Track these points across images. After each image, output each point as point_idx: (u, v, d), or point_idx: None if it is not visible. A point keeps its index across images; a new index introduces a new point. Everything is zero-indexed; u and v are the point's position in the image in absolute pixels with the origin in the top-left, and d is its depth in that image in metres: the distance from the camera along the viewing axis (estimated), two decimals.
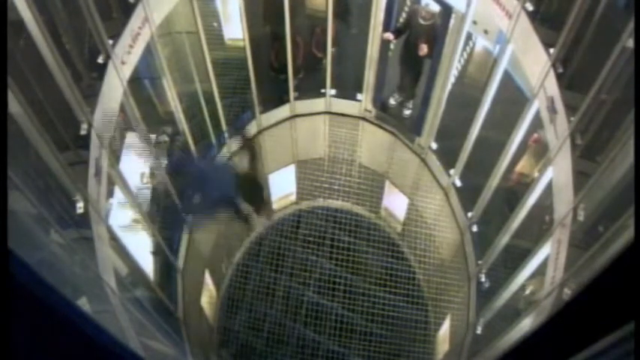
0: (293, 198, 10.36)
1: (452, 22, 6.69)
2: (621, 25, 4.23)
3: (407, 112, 8.67)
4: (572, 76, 5.08)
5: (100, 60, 5.08)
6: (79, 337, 1.00)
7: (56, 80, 4.43)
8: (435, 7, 7.14)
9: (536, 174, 6.31)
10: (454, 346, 8.15)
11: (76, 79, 4.80)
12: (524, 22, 5.36)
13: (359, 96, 8.76)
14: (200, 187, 6.61)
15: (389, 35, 7.49)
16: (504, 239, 6.71)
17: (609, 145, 4.62)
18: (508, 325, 6.14)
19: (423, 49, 7.36)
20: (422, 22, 7.34)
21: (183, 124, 7.23)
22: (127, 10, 5.39)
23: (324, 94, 8.80)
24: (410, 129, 8.56)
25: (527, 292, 6.36)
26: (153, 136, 7.08)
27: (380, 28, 7.52)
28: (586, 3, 4.71)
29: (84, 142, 4.78)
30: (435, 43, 7.15)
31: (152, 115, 7.14)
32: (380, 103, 8.68)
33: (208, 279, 8.93)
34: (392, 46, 8.11)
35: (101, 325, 1.03)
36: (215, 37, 8.44)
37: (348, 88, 8.81)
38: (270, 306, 9.43)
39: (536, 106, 5.57)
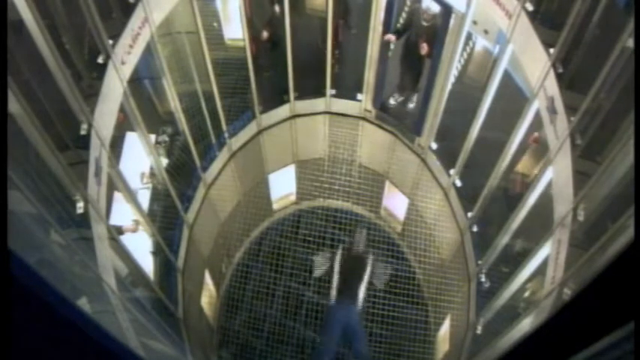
0: (293, 198, 10.36)
1: (452, 22, 6.69)
2: (621, 25, 4.23)
3: (411, 105, 8.66)
4: (572, 76, 5.08)
5: (100, 60, 5.08)
6: (79, 337, 1.00)
7: (56, 80, 4.43)
8: (435, 8, 7.16)
9: (535, 174, 6.31)
10: (454, 346, 8.15)
11: (76, 79, 4.80)
12: (524, 22, 5.37)
13: (359, 96, 8.77)
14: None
15: (390, 37, 7.51)
16: (504, 239, 6.71)
17: (609, 145, 4.62)
18: (508, 325, 6.14)
19: (424, 48, 7.38)
20: (424, 23, 7.37)
21: (183, 124, 7.23)
22: (127, 10, 5.39)
23: (324, 94, 8.81)
24: (410, 129, 8.56)
25: (527, 292, 6.37)
26: (153, 136, 7.08)
27: (380, 28, 7.53)
28: (586, 3, 4.72)
29: (84, 142, 4.78)
30: (435, 42, 7.16)
31: (152, 115, 7.14)
32: (380, 103, 8.68)
33: (208, 279, 8.93)
34: (392, 46, 8.11)
35: (101, 325, 1.03)
36: (215, 37, 8.44)
37: (348, 88, 8.81)
38: (270, 306, 9.43)
39: (536, 106, 5.58)
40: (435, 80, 7.38)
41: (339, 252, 7.48)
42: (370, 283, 7.48)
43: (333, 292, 7.30)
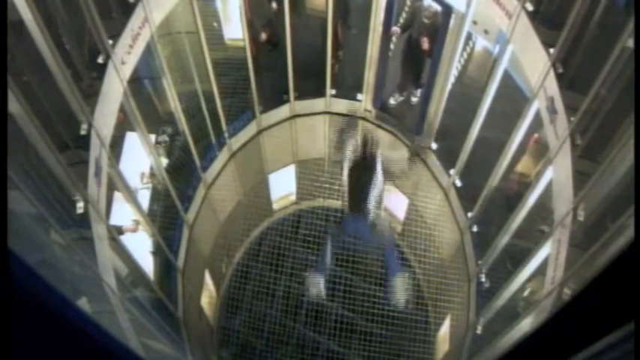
0: (293, 198, 10.36)
1: (452, 22, 6.69)
2: (621, 25, 4.23)
3: (414, 99, 8.67)
4: (572, 76, 5.08)
5: (100, 60, 5.08)
6: (79, 337, 1.00)
7: (56, 80, 4.43)
8: (437, 6, 7.18)
9: (534, 175, 6.31)
10: (454, 346, 8.15)
11: (76, 79, 4.79)
12: (524, 22, 5.37)
13: (359, 96, 8.77)
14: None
15: (396, 29, 7.55)
16: (504, 239, 6.71)
17: (609, 145, 4.62)
18: (508, 325, 6.14)
19: (425, 42, 7.41)
20: (425, 20, 7.43)
21: (183, 124, 7.23)
22: (127, 10, 5.39)
23: (324, 94, 8.81)
24: (410, 129, 8.56)
25: (527, 292, 6.37)
26: (153, 136, 7.08)
27: (380, 28, 7.53)
28: (586, 3, 4.72)
29: (84, 142, 4.78)
30: (436, 38, 7.18)
31: (152, 115, 7.14)
32: (380, 103, 8.69)
33: (208, 279, 8.94)
34: (392, 46, 8.12)
35: (101, 325, 1.02)
36: (215, 37, 8.44)
37: (348, 88, 8.81)
38: (270, 306, 9.43)
39: (536, 106, 5.58)
40: (435, 80, 7.39)
41: (348, 155, 6.62)
42: (388, 174, 6.60)
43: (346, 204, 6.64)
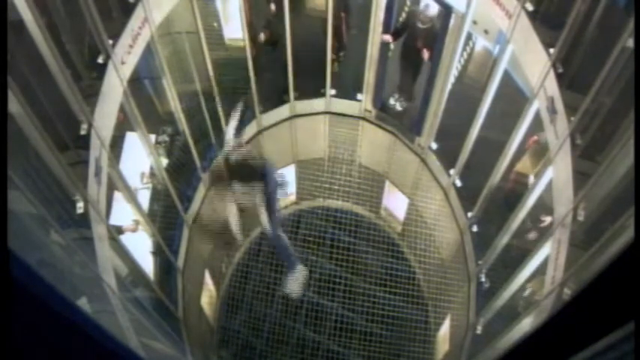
0: (293, 198, 10.36)
1: (452, 22, 6.69)
2: (621, 25, 4.23)
3: (399, 108, 8.66)
4: (572, 76, 5.08)
5: (100, 60, 5.08)
6: (79, 337, 1.00)
7: (56, 80, 4.43)
8: (434, 10, 7.15)
9: (532, 175, 6.31)
10: (454, 346, 8.15)
11: (76, 79, 4.80)
12: (524, 22, 5.37)
13: (359, 96, 8.77)
14: None
15: (387, 38, 7.51)
16: (504, 239, 6.71)
17: (609, 145, 4.62)
18: (508, 325, 6.14)
19: (426, 53, 7.38)
20: (420, 25, 7.37)
21: (183, 124, 7.23)
22: (127, 10, 5.39)
23: (324, 94, 8.81)
24: (410, 129, 8.56)
25: (527, 292, 6.37)
26: (153, 136, 7.08)
27: (380, 28, 7.53)
28: (586, 3, 4.72)
29: (84, 142, 4.78)
30: (433, 46, 7.16)
31: (152, 115, 7.14)
32: (380, 103, 8.69)
33: (208, 279, 8.93)
34: (392, 47, 8.12)
35: (101, 325, 1.03)
36: (215, 37, 8.44)
37: (348, 88, 8.81)
38: (270, 306, 9.43)
39: (536, 106, 5.58)
40: (435, 80, 7.38)
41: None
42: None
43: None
